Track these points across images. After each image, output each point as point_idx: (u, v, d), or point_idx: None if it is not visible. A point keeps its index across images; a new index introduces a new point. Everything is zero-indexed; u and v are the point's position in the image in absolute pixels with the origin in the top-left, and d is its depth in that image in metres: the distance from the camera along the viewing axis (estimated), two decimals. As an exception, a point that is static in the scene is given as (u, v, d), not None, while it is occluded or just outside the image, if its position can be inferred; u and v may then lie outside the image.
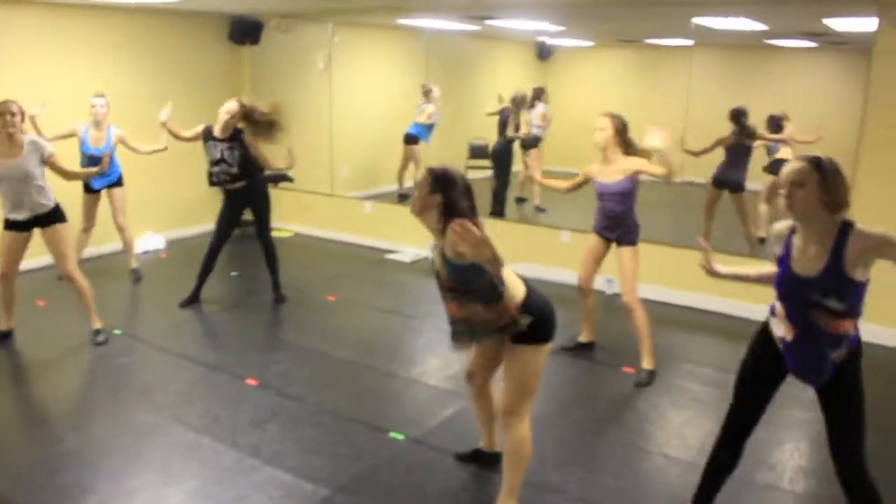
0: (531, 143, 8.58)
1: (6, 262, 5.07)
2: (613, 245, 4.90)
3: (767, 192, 7.15)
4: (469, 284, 3.00)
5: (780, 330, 2.77)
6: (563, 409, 4.49)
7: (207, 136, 5.83)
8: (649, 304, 6.29)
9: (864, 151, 5.42)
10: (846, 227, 2.56)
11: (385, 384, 4.76)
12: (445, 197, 2.99)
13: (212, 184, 5.93)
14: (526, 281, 3.17)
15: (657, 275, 6.41)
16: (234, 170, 5.83)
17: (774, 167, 7.07)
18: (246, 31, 8.46)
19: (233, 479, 3.58)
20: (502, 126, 8.37)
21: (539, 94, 8.81)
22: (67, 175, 5.11)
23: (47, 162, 4.93)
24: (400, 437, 4.01)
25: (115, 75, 7.46)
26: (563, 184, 5.08)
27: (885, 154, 5.34)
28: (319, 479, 3.58)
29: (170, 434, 4.01)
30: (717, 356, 5.37)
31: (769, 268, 2.91)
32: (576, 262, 5.08)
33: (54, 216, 5.03)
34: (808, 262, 2.62)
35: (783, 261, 2.71)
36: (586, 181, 4.86)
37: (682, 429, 4.21)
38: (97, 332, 5.28)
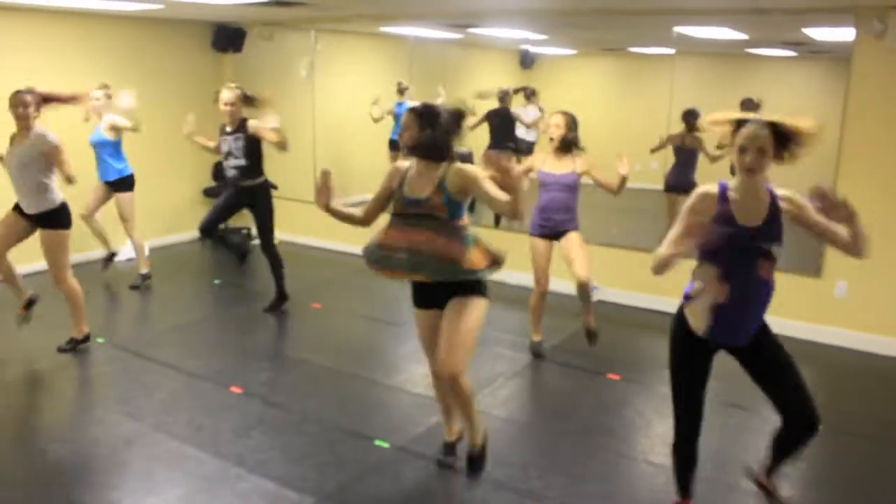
0: (526, 149, 8.60)
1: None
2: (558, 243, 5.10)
3: None
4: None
5: (707, 302, 2.91)
6: (548, 415, 4.51)
7: (221, 132, 5.84)
8: (632, 311, 6.35)
9: (843, 156, 5.49)
10: (772, 191, 2.84)
11: (370, 392, 4.76)
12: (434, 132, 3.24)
13: (223, 179, 5.86)
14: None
15: (639, 281, 6.45)
16: (242, 162, 5.80)
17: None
18: (229, 39, 8.44)
19: (217, 488, 3.57)
20: (495, 131, 8.40)
21: (530, 95, 8.84)
22: (65, 175, 4.93)
23: (46, 155, 4.83)
24: (385, 444, 4.01)
25: (97, 83, 7.42)
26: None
27: (863, 158, 5.42)
28: (305, 488, 3.57)
29: (153, 443, 3.99)
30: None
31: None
32: (558, 268, 5.10)
33: (55, 219, 4.95)
34: (751, 213, 2.82)
35: (724, 218, 2.83)
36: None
37: (666, 436, 4.20)
38: (74, 340, 5.26)
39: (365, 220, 3.59)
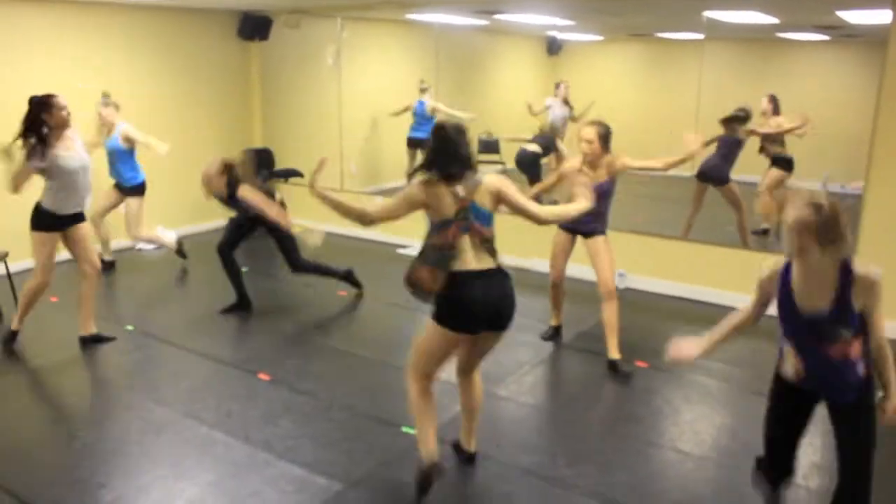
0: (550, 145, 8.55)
1: (50, 267, 5.00)
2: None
3: (770, 185, 7.08)
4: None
5: (791, 369, 2.82)
6: (575, 402, 4.49)
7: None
8: (660, 298, 6.31)
9: (877, 143, 5.39)
10: (848, 267, 2.57)
11: (397, 379, 4.75)
12: (431, 151, 3.23)
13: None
14: (462, 271, 3.20)
15: (669, 269, 6.41)
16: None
17: (778, 161, 7.04)
18: (255, 27, 8.47)
19: (246, 473, 3.59)
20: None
21: (556, 87, 8.81)
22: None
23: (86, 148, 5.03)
24: (412, 431, 4.01)
25: (123, 73, 7.49)
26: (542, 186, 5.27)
27: (898, 146, 5.33)
28: (332, 474, 3.59)
29: (183, 429, 4.03)
30: (729, 351, 5.33)
31: None
32: (587, 256, 5.06)
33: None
34: (813, 297, 2.63)
35: (785, 300, 2.71)
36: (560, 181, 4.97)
37: (695, 424, 4.20)
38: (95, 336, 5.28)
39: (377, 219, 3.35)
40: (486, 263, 3.24)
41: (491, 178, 3.32)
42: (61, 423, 4.18)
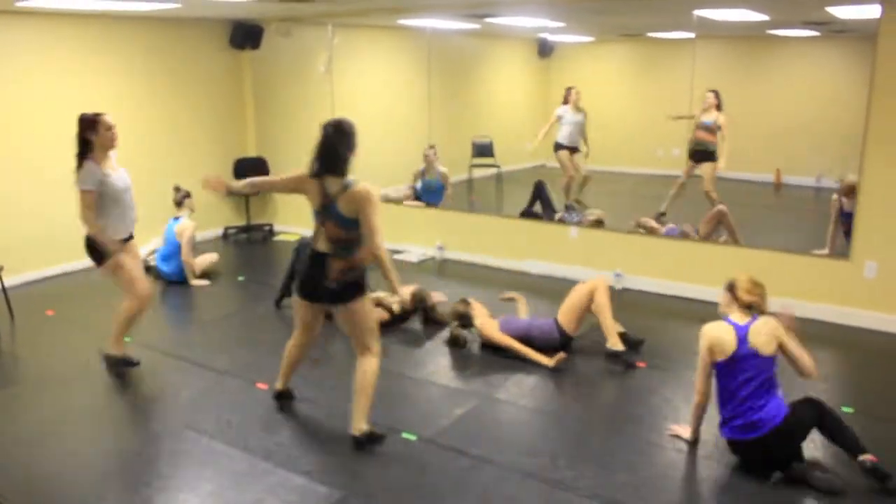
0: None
1: (140, 283, 4.83)
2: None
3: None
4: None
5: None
6: (575, 404, 4.48)
7: None
8: (656, 298, 6.31)
9: (869, 137, 5.40)
10: None
11: (396, 385, 4.76)
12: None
13: None
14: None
15: (663, 268, 6.41)
16: None
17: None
18: (246, 36, 8.47)
19: (247, 483, 3.58)
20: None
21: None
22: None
23: None
24: (413, 437, 4.01)
25: (116, 84, 7.48)
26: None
27: (890, 140, 5.32)
28: (333, 482, 3.58)
29: (182, 440, 4.01)
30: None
31: None
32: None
33: None
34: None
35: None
36: None
37: (695, 422, 4.19)
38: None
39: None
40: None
41: (362, 185, 3.82)
42: (59, 436, 4.16)
